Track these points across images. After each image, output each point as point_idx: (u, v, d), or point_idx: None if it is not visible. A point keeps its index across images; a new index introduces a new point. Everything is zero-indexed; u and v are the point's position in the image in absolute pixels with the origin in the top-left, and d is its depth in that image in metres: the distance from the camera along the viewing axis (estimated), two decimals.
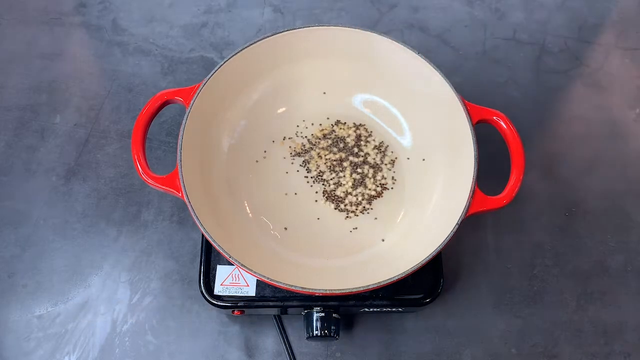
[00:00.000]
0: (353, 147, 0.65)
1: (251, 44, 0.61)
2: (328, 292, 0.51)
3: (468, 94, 0.63)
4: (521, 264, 0.69)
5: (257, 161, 0.64)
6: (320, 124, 0.66)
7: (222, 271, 0.60)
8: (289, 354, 0.64)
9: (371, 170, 0.63)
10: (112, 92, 0.79)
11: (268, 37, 0.61)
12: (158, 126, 0.76)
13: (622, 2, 0.89)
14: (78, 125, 0.76)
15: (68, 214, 0.70)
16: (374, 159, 0.64)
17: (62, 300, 0.66)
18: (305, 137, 0.65)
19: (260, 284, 0.59)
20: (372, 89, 0.66)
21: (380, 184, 0.63)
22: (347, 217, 0.61)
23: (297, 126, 0.66)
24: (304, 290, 0.51)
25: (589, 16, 0.87)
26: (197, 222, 0.52)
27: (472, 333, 0.65)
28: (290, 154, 0.64)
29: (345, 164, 0.64)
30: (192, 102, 0.57)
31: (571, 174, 0.75)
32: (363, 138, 0.65)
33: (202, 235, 0.61)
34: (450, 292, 0.67)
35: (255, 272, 0.51)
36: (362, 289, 0.51)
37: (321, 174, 0.63)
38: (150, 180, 0.54)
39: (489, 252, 0.69)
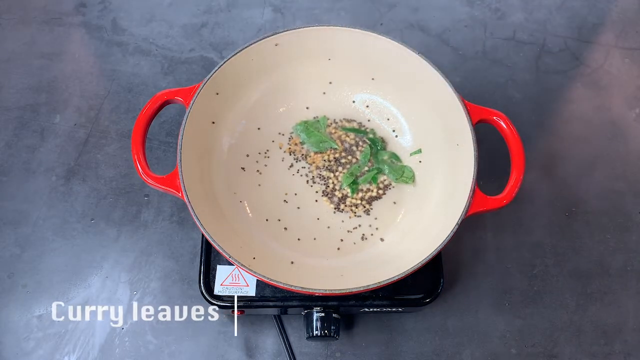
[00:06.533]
0: (353, 147, 0.65)
1: (251, 44, 0.61)
2: (328, 292, 0.51)
3: (468, 94, 0.63)
4: (521, 264, 0.69)
5: (257, 161, 0.64)
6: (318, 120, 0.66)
7: (222, 271, 0.59)
8: (289, 354, 0.64)
9: None
10: (112, 92, 0.79)
11: (268, 37, 0.61)
12: (158, 126, 0.76)
13: (622, 2, 0.89)
14: (78, 125, 0.76)
15: (68, 214, 0.70)
16: None
17: (62, 300, 0.66)
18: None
19: (260, 284, 0.59)
20: (372, 89, 0.66)
21: (380, 184, 0.63)
22: (347, 217, 0.61)
23: (300, 122, 0.66)
24: (304, 290, 0.51)
25: (589, 16, 0.87)
26: (197, 222, 0.52)
27: (472, 333, 0.65)
28: (290, 153, 0.64)
29: (345, 163, 0.64)
30: (192, 102, 0.57)
31: (571, 174, 0.75)
32: (364, 135, 0.65)
33: (202, 235, 0.61)
34: (450, 292, 0.67)
35: (255, 272, 0.51)
36: (362, 289, 0.51)
37: (321, 174, 0.63)
38: (150, 180, 0.54)
39: (489, 252, 0.69)
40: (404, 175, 0.62)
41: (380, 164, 0.63)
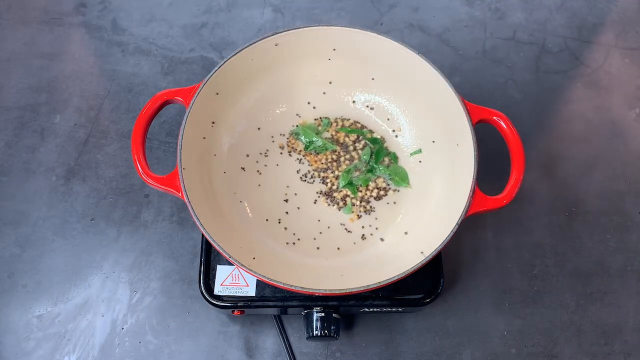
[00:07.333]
0: (353, 146, 0.65)
1: (251, 44, 0.61)
2: (328, 292, 0.51)
3: (468, 94, 0.63)
4: (521, 264, 0.69)
5: (257, 161, 0.64)
6: (320, 124, 0.66)
7: (222, 271, 0.60)
8: (289, 354, 0.64)
9: None
10: (112, 92, 0.79)
11: (268, 37, 0.61)
12: (158, 126, 0.76)
13: (622, 2, 0.89)
14: (78, 125, 0.76)
15: (68, 214, 0.70)
16: None
17: (62, 300, 0.66)
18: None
19: (260, 284, 0.59)
20: (372, 89, 0.66)
21: (380, 184, 0.63)
22: (347, 217, 0.61)
23: (297, 126, 0.66)
24: (304, 290, 0.51)
25: (589, 16, 0.87)
26: (197, 222, 0.52)
27: (472, 333, 0.65)
28: (290, 153, 0.64)
29: (345, 163, 0.64)
30: (192, 102, 0.57)
31: (571, 174, 0.75)
32: (363, 138, 0.65)
33: (202, 235, 0.61)
34: (450, 292, 0.67)
35: (255, 272, 0.51)
36: (362, 289, 0.51)
37: (321, 174, 0.63)
38: (150, 180, 0.54)
39: (489, 252, 0.70)
40: (398, 176, 0.62)
41: (377, 164, 0.63)
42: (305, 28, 0.62)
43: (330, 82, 0.66)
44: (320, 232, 0.60)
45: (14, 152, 0.74)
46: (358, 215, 0.61)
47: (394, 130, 0.66)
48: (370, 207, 0.62)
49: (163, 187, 0.54)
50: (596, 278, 0.69)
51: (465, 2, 0.88)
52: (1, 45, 0.82)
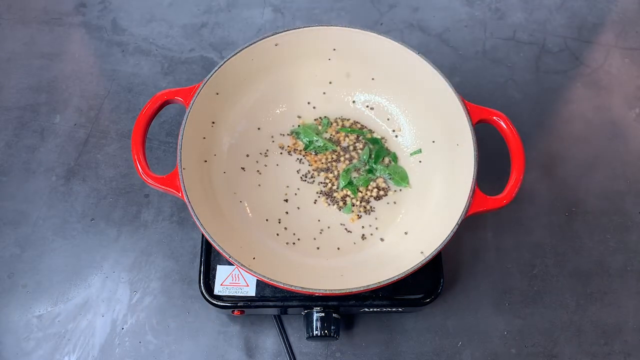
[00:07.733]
0: (353, 147, 0.65)
1: (251, 44, 0.61)
2: (328, 292, 0.51)
3: (468, 94, 0.63)
4: (521, 264, 0.69)
5: (257, 161, 0.64)
6: (320, 124, 0.66)
7: (222, 271, 0.60)
8: (289, 354, 0.64)
9: None
10: (112, 92, 0.79)
11: (268, 37, 0.61)
12: (158, 126, 0.76)
13: (622, 2, 0.89)
14: (78, 125, 0.76)
15: (68, 214, 0.70)
16: None
17: (62, 300, 0.66)
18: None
19: (260, 284, 0.59)
20: (372, 89, 0.66)
21: (380, 184, 0.63)
22: (347, 217, 0.61)
23: (297, 126, 0.66)
24: (304, 290, 0.51)
25: (589, 16, 0.87)
26: (197, 222, 0.52)
27: (472, 333, 0.65)
28: (290, 153, 0.64)
29: (344, 163, 0.64)
30: (192, 102, 0.57)
31: (571, 174, 0.75)
32: (363, 138, 0.65)
33: (202, 235, 0.61)
34: (450, 292, 0.67)
35: (255, 272, 0.51)
36: (362, 289, 0.51)
37: (321, 174, 0.63)
38: (150, 180, 0.54)
39: (489, 252, 0.70)
40: (398, 176, 0.62)
41: (377, 164, 0.63)
42: (305, 28, 0.62)
43: (330, 82, 0.66)
44: (320, 232, 0.60)
45: (14, 152, 0.74)
46: (358, 215, 0.61)
47: (394, 130, 0.66)
48: (370, 207, 0.62)
49: (163, 187, 0.54)
50: (596, 278, 0.69)
51: (465, 2, 0.88)
52: (1, 45, 0.82)
